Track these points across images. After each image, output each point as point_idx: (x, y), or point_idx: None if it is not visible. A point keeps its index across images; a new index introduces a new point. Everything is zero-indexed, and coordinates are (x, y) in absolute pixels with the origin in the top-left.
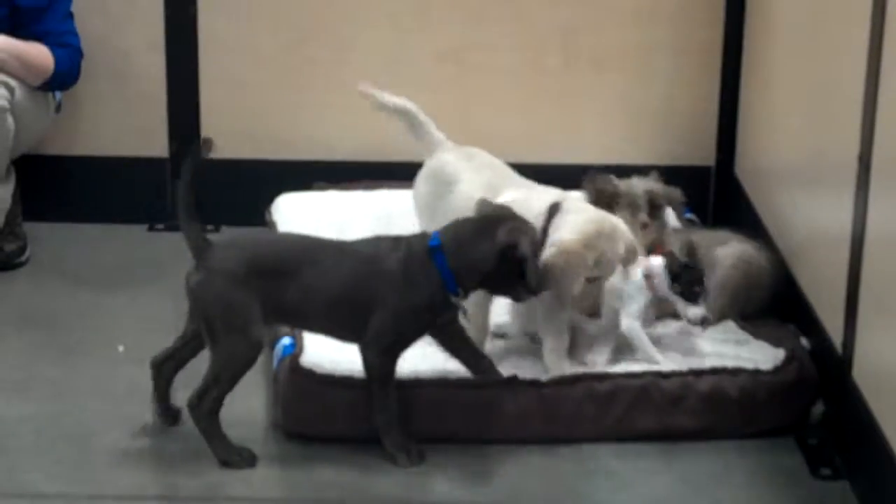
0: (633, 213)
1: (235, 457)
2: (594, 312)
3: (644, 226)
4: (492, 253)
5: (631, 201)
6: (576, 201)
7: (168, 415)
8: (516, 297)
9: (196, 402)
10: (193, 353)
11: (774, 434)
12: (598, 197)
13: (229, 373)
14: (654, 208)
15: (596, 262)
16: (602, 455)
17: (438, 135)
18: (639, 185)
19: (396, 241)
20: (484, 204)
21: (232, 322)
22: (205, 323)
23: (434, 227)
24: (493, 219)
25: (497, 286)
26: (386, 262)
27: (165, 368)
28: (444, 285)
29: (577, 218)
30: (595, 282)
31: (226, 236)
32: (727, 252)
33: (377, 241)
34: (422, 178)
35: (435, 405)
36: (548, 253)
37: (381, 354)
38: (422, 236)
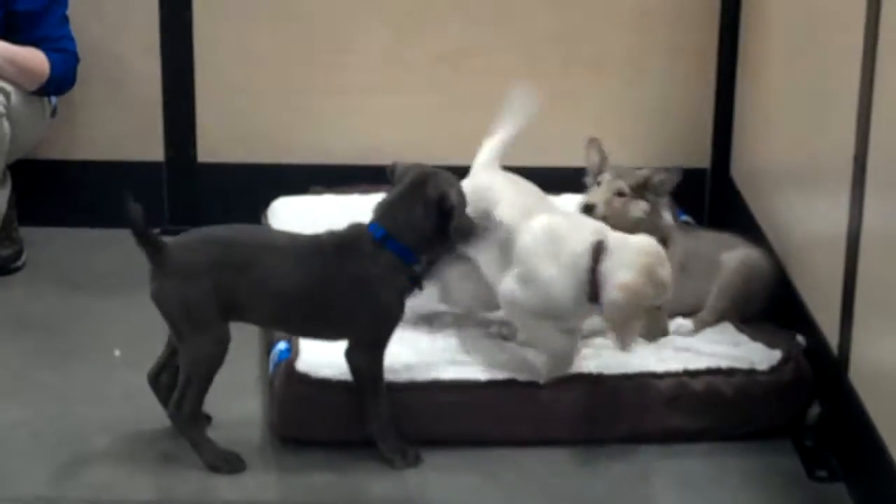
0: (613, 178)
1: (222, 461)
2: (665, 333)
3: (620, 193)
4: (429, 212)
5: (617, 170)
6: (615, 235)
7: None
8: (448, 251)
9: (176, 410)
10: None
11: (771, 436)
12: (590, 162)
13: (200, 373)
14: (644, 189)
15: (658, 291)
16: (598, 456)
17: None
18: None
19: (346, 243)
20: (400, 168)
21: (194, 322)
22: (171, 326)
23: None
24: (417, 181)
25: (439, 244)
26: (346, 267)
27: (162, 379)
28: (405, 264)
29: (627, 255)
30: (659, 308)
31: (180, 236)
32: (731, 256)
33: (332, 242)
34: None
35: (432, 408)
36: (613, 296)
37: (367, 353)
38: (360, 231)
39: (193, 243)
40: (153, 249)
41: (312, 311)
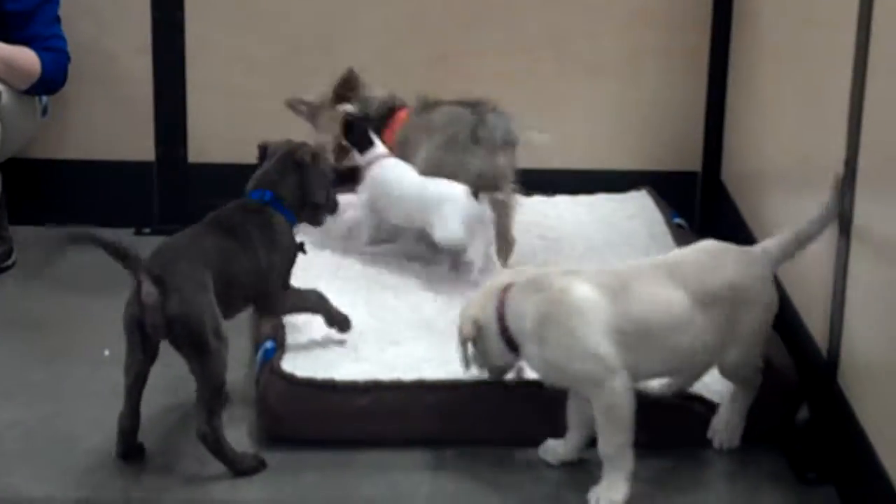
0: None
1: (255, 462)
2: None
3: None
4: (291, 171)
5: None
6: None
7: (136, 452)
8: (326, 214)
9: (207, 429)
10: (143, 389)
11: (760, 439)
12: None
13: (223, 381)
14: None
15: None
16: (587, 460)
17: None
18: None
19: (248, 211)
20: (270, 146)
21: (216, 330)
22: (191, 342)
23: None
24: (288, 151)
25: (316, 208)
26: (257, 230)
27: (134, 423)
28: (292, 225)
29: None
30: None
31: (161, 251)
32: None
33: (239, 214)
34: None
35: (418, 408)
36: None
37: (282, 296)
38: (248, 200)
39: (180, 254)
40: (155, 271)
41: (250, 280)
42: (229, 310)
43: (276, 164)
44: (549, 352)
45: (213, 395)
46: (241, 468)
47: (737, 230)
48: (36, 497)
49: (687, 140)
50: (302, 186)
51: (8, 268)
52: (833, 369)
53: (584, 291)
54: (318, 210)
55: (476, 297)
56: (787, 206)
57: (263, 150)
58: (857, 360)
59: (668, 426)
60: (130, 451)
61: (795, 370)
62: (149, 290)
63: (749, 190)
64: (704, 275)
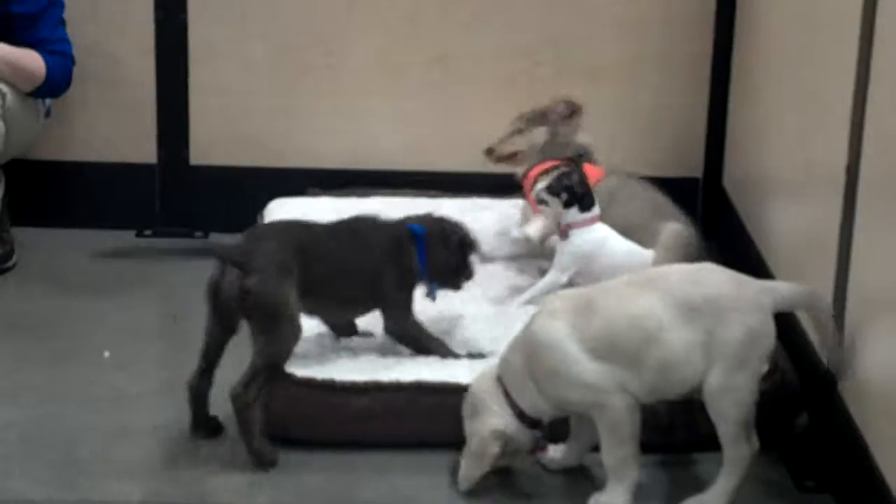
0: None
1: (268, 451)
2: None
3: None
4: (452, 251)
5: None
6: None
7: (211, 427)
8: (457, 286)
9: (241, 391)
10: (219, 358)
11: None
12: None
13: (279, 364)
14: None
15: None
16: (590, 465)
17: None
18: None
19: (384, 224)
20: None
21: (289, 312)
22: (261, 319)
23: None
24: (439, 221)
25: (451, 279)
26: (384, 240)
27: (202, 386)
28: (419, 270)
29: None
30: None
31: (254, 230)
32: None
33: (372, 223)
34: None
35: (418, 410)
36: None
37: (402, 319)
38: (401, 224)
39: (278, 237)
40: (241, 249)
41: (359, 278)
42: (341, 307)
43: (434, 227)
44: (548, 393)
45: (264, 367)
46: (255, 450)
47: (738, 236)
48: (34, 499)
49: (688, 146)
50: (452, 257)
51: (9, 269)
52: (834, 378)
53: (547, 325)
54: (456, 276)
55: (481, 403)
56: (788, 213)
57: None
58: (858, 367)
59: (666, 429)
60: (201, 421)
61: (796, 376)
62: (230, 273)
63: (751, 196)
64: (687, 286)
